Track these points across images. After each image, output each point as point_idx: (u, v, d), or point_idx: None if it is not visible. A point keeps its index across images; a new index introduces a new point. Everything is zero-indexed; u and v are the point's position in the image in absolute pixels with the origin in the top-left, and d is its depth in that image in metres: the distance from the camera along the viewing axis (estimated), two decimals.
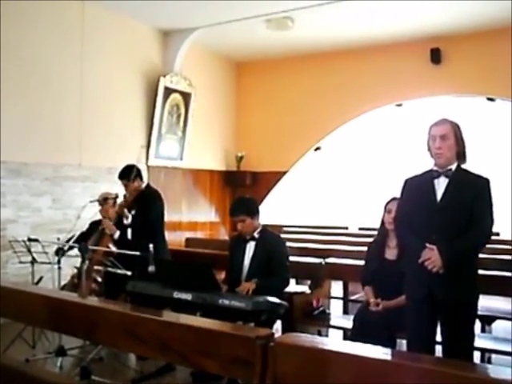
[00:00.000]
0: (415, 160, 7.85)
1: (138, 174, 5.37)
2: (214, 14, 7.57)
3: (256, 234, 4.62)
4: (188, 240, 7.99)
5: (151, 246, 4.50)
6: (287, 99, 9.71)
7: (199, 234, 9.22)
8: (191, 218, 9.20)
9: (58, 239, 5.26)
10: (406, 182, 3.59)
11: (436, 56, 8.38)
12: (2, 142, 6.09)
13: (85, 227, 5.44)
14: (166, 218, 5.55)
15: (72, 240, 4.86)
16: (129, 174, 5.26)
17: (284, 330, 4.58)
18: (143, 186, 5.38)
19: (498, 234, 7.32)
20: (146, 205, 5.20)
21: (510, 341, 4.20)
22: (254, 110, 10.09)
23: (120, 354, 4.86)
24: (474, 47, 8.16)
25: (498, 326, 5.01)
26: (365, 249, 4.59)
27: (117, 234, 5.26)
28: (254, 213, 4.63)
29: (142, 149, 5.49)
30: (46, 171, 6.72)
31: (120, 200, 5.35)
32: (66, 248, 4.85)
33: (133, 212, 5.24)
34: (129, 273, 4.54)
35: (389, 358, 2.06)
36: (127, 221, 5.14)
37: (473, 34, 8.07)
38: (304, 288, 5.35)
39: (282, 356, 2.08)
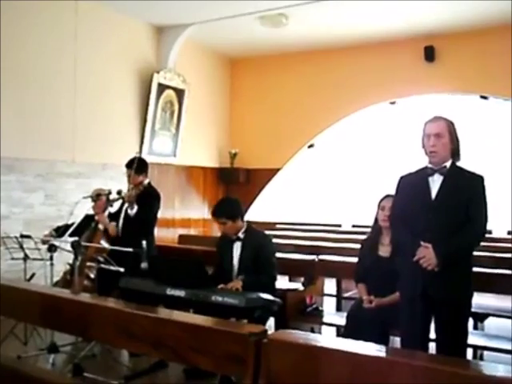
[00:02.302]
0: (409, 157, 7.87)
1: (145, 169, 5.36)
2: (208, 10, 7.55)
3: (241, 234, 4.61)
4: (181, 237, 7.97)
5: (144, 242, 4.49)
6: (281, 96, 9.70)
7: (192, 231, 9.20)
8: (184, 214, 9.19)
9: (52, 235, 5.24)
10: (401, 179, 3.59)
11: (430, 54, 8.39)
12: None
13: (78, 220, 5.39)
14: (159, 215, 5.53)
15: (67, 233, 4.84)
16: (138, 165, 5.23)
17: (277, 327, 4.57)
18: (146, 182, 5.36)
19: (490, 232, 7.35)
20: (145, 201, 5.17)
21: (502, 338, 4.23)
22: (247, 107, 10.08)
23: (113, 351, 4.84)
24: (468, 45, 8.18)
25: (491, 323, 5.03)
26: (358, 246, 4.60)
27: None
28: (235, 216, 4.59)
29: (136, 154, 5.46)
30: (39, 167, 6.69)
31: (112, 196, 5.33)
32: (58, 243, 4.83)
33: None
34: (122, 269, 4.53)
35: (382, 354, 2.07)
36: (132, 211, 5.09)
37: (466, 32, 8.09)
38: (297, 285, 5.35)
39: (276, 353, 2.07)
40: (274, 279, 4.56)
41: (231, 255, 4.61)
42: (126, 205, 5.19)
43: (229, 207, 4.66)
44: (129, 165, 5.30)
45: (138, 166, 5.24)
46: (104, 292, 4.67)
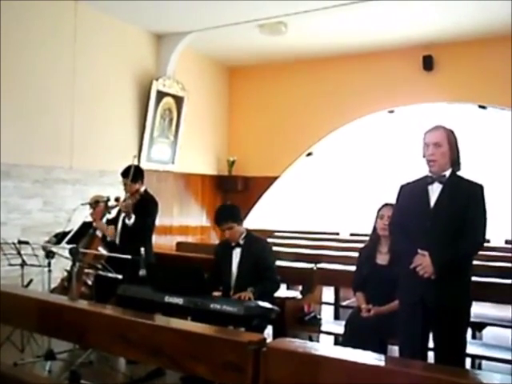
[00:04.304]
0: (407, 166, 7.89)
1: (141, 177, 5.35)
2: (207, 18, 7.58)
3: (241, 240, 4.61)
4: (179, 244, 7.97)
5: (142, 249, 4.49)
6: (279, 104, 9.73)
7: (190, 239, 9.19)
8: (182, 222, 9.18)
9: (48, 242, 5.24)
10: (402, 187, 3.61)
11: (428, 63, 8.42)
12: None
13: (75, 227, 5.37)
14: (157, 222, 5.53)
15: (64, 240, 4.83)
16: (133, 173, 5.22)
17: (275, 336, 4.56)
18: (142, 189, 5.36)
19: (488, 241, 7.34)
20: (143, 210, 5.17)
21: (500, 347, 4.22)
22: (246, 115, 10.10)
23: (110, 358, 4.82)
24: (466, 55, 8.21)
25: (489, 332, 5.02)
26: (356, 254, 4.59)
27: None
28: (240, 219, 4.65)
29: (134, 158, 5.46)
30: (37, 173, 6.68)
31: (110, 203, 5.33)
32: (56, 249, 4.82)
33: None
34: (120, 276, 4.52)
35: (380, 363, 2.05)
36: (129, 221, 5.09)
37: (465, 42, 8.13)
38: (295, 293, 5.34)
39: (274, 361, 2.06)
40: (279, 285, 4.58)
41: (230, 262, 4.60)
42: (123, 214, 5.18)
43: (232, 211, 4.69)
44: (124, 173, 5.28)
45: (134, 174, 5.23)
46: (101, 299, 4.66)
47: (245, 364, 2.07)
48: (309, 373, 2.01)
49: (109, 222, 5.43)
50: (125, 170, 5.29)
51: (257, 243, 4.63)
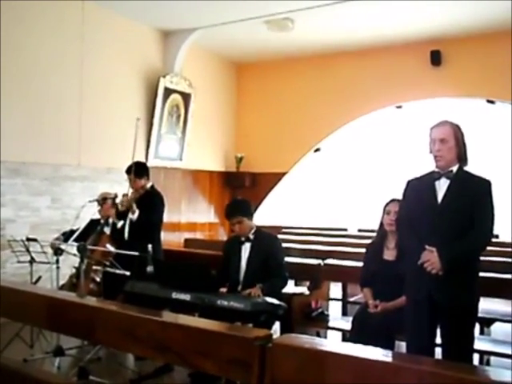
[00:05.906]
0: (415, 162, 7.85)
1: (146, 173, 5.37)
2: (214, 14, 7.57)
3: (251, 235, 4.62)
4: (187, 241, 7.98)
5: (150, 246, 4.50)
6: (287, 100, 9.71)
7: (198, 235, 9.21)
8: (190, 218, 9.19)
9: (57, 239, 5.26)
10: (408, 183, 3.60)
11: (436, 58, 8.38)
12: (1, 141, 6.08)
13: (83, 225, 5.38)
14: (165, 219, 5.54)
15: (72, 238, 4.85)
16: (137, 169, 5.25)
17: (282, 331, 4.57)
18: (148, 185, 5.37)
19: (497, 237, 7.31)
20: (149, 205, 5.18)
21: (508, 343, 4.20)
22: (253, 111, 10.09)
23: (118, 355, 4.85)
24: (474, 49, 8.16)
25: (497, 328, 5.01)
26: (364, 250, 4.59)
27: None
28: (250, 213, 4.66)
29: (137, 121, 5.45)
30: (45, 171, 6.71)
31: (119, 199, 5.34)
32: (64, 247, 4.85)
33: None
34: (127, 273, 4.53)
35: (388, 359, 2.05)
36: (133, 216, 5.10)
37: (473, 36, 8.08)
38: (303, 289, 5.35)
39: (281, 357, 2.07)
40: (287, 281, 4.58)
41: (239, 257, 4.60)
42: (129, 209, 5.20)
43: (242, 205, 4.71)
44: (128, 170, 5.31)
45: (136, 170, 5.25)
46: (110, 295, 4.69)
47: (251, 360, 2.08)
48: (315, 369, 2.01)
49: (119, 215, 5.43)
50: (129, 167, 5.32)
51: (267, 239, 4.63)
